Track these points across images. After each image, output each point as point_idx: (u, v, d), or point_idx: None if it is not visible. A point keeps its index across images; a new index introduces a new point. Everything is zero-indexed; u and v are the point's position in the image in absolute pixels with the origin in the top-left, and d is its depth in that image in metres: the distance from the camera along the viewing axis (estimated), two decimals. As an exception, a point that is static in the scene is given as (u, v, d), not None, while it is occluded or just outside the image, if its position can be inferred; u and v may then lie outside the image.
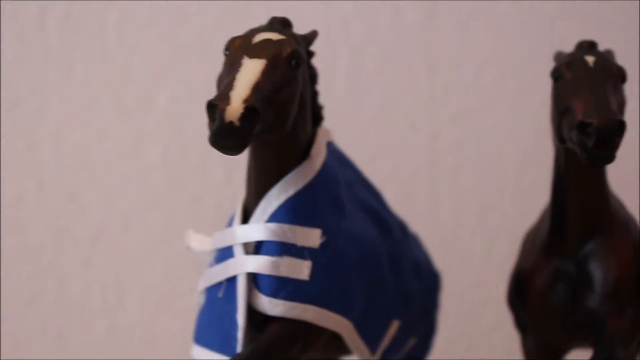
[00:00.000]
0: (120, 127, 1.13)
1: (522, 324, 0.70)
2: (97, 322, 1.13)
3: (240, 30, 0.62)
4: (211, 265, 0.62)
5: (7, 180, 1.11)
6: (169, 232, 1.13)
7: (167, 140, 1.13)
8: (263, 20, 0.64)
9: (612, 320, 0.63)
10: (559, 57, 0.65)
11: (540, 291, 0.66)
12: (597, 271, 0.64)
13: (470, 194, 1.16)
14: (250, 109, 0.50)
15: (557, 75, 0.61)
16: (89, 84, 1.13)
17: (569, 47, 0.69)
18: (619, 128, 0.52)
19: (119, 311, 1.13)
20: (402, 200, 1.13)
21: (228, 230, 0.61)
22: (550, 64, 0.66)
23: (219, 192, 1.10)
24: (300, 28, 0.66)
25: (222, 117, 0.50)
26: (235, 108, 0.50)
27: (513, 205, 1.16)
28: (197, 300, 0.64)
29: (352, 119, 1.15)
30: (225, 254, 0.60)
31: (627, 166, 1.29)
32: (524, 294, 0.68)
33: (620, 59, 0.66)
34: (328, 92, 1.12)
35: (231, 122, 0.49)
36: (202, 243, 0.64)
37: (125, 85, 1.13)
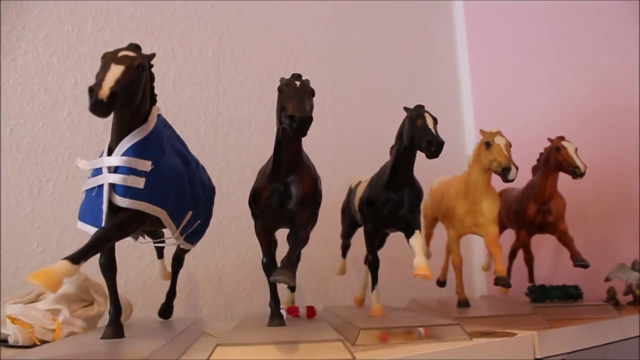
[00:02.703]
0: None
1: (255, 216, 1.20)
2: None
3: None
4: (89, 177, 1.00)
5: None
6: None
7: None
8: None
9: (299, 215, 1.12)
10: (282, 80, 1.10)
11: (265, 198, 1.14)
12: (294, 190, 1.12)
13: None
14: (113, 93, 0.82)
15: (280, 90, 1.07)
16: None
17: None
18: (309, 119, 0.99)
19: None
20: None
21: (99, 159, 0.98)
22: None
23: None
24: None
25: (96, 96, 0.80)
26: (104, 91, 0.81)
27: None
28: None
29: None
30: (97, 171, 0.98)
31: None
32: (258, 200, 1.16)
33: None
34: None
35: (101, 100, 0.81)
36: (85, 165, 1.01)
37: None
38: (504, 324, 1.28)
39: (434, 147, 1.17)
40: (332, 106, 2.19)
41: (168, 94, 1.82)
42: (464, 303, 1.55)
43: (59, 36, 1.66)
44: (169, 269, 1.45)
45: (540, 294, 1.56)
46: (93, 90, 0.82)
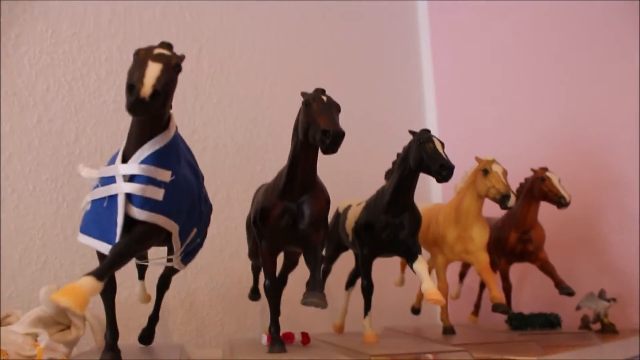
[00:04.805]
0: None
1: (261, 235, 1.14)
2: None
3: None
4: (96, 187, 0.91)
5: None
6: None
7: None
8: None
9: (315, 236, 1.09)
10: (305, 94, 1.07)
11: (276, 218, 1.10)
12: (307, 210, 1.09)
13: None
14: (156, 91, 0.74)
15: (307, 104, 1.03)
16: None
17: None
18: (342, 134, 0.95)
19: None
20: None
21: (112, 166, 0.90)
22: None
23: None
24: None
25: (138, 94, 0.72)
26: (147, 89, 0.74)
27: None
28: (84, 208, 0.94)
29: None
30: (108, 180, 0.89)
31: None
32: (266, 219, 1.11)
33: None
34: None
35: (143, 98, 0.73)
36: (90, 173, 0.93)
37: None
38: (502, 351, 1.28)
39: (446, 172, 1.17)
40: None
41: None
42: (449, 330, 1.54)
43: (31, 36, 1.53)
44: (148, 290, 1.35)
45: (522, 321, 1.59)
46: (134, 87, 0.74)
